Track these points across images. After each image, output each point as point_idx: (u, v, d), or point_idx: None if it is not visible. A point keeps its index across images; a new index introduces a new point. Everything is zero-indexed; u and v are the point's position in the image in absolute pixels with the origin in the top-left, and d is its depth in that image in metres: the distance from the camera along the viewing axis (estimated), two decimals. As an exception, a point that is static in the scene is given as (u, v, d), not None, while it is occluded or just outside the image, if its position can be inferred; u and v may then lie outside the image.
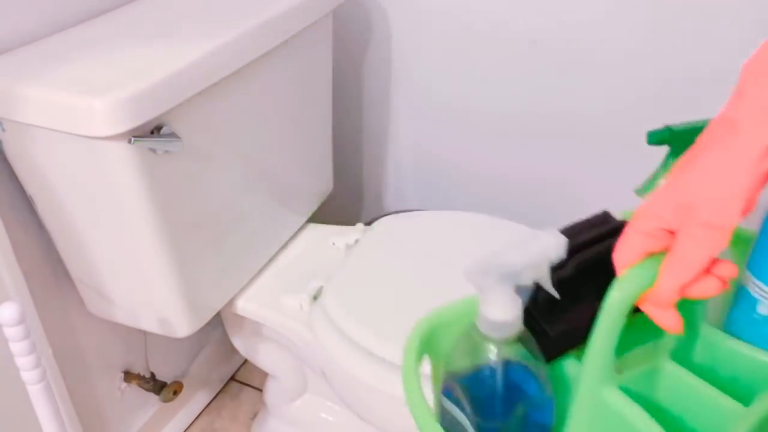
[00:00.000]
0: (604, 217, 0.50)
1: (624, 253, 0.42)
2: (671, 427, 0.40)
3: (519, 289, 0.40)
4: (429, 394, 0.48)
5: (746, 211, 0.43)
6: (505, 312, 0.40)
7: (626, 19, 0.93)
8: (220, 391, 1.27)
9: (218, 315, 0.92)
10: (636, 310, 0.41)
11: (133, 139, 0.66)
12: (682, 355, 0.48)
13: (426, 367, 0.48)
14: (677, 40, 0.92)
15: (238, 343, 1.03)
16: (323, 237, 1.04)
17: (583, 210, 1.24)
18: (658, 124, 1.01)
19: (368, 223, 1.04)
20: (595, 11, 0.94)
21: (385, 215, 1.04)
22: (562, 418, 0.45)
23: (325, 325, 0.86)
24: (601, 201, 1.17)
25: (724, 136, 0.43)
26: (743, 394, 0.43)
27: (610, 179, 1.08)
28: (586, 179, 1.09)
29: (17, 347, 0.52)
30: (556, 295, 0.41)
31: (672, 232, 0.42)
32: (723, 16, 0.88)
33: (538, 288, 0.41)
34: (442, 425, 0.46)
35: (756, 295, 0.46)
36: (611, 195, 1.08)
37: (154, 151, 0.69)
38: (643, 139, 0.88)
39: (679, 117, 0.99)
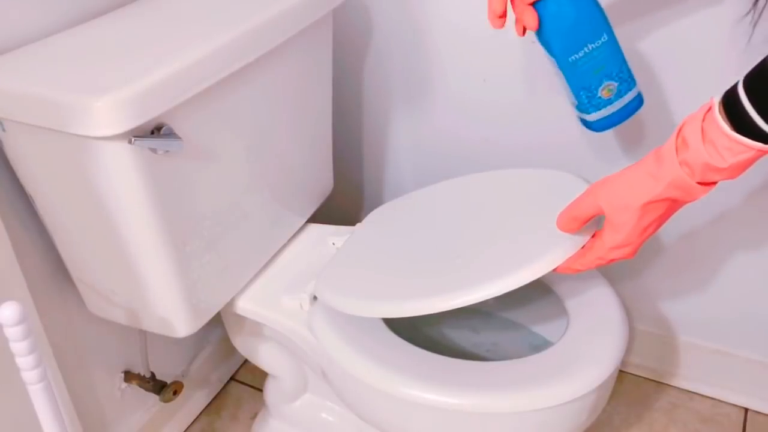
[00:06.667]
0: None
1: (563, 222, 0.73)
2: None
3: None
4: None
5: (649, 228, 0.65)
6: None
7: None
8: (220, 391, 1.27)
9: (218, 315, 0.92)
10: None
11: (133, 139, 0.66)
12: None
13: None
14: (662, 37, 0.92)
15: (238, 343, 1.03)
16: (323, 237, 1.04)
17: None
18: (658, 118, 1.01)
19: (368, 223, 1.04)
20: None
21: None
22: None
23: (325, 325, 0.86)
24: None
25: (652, 162, 0.63)
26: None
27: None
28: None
29: (17, 347, 0.52)
30: None
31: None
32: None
33: None
34: None
35: None
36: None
37: (154, 151, 0.69)
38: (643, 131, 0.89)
39: (675, 102, 0.99)
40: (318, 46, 0.94)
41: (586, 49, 0.76)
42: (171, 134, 0.70)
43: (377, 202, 1.33)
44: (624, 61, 0.78)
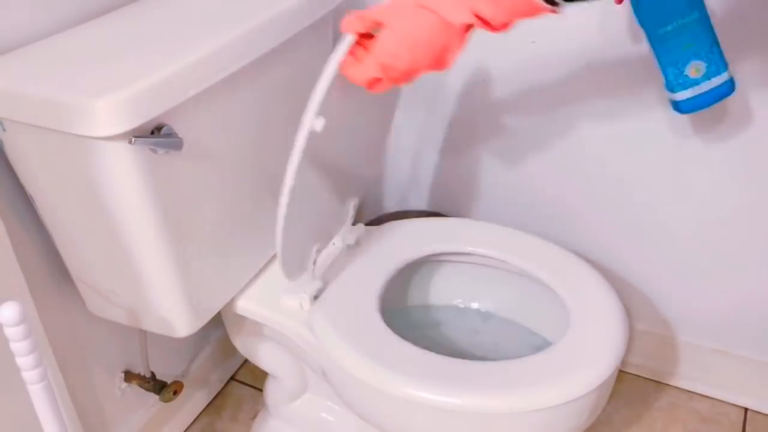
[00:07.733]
0: None
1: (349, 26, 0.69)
2: None
3: None
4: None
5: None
6: None
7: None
8: (220, 391, 1.27)
9: (218, 315, 0.92)
10: None
11: (133, 139, 0.66)
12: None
13: None
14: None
15: (238, 343, 1.03)
16: (323, 237, 1.04)
17: (587, 215, 1.23)
18: (661, 119, 1.01)
19: (368, 223, 1.04)
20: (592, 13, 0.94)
21: (385, 214, 1.04)
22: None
23: (325, 324, 0.86)
24: (606, 214, 1.17)
25: None
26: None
27: (615, 188, 1.08)
28: (591, 183, 1.09)
29: (17, 347, 0.52)
30: None
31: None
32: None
33: None
34: None
35: None
36: (616, 210, 1.09)
37: (154, 151, 0.69)
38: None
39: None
40: (318, 46, 0.94)
41: (675, 23, 0.77)
42: (171, 134, 0.70)
43: (377, 202, 1.33)
44: (715, 44, 0.79)
